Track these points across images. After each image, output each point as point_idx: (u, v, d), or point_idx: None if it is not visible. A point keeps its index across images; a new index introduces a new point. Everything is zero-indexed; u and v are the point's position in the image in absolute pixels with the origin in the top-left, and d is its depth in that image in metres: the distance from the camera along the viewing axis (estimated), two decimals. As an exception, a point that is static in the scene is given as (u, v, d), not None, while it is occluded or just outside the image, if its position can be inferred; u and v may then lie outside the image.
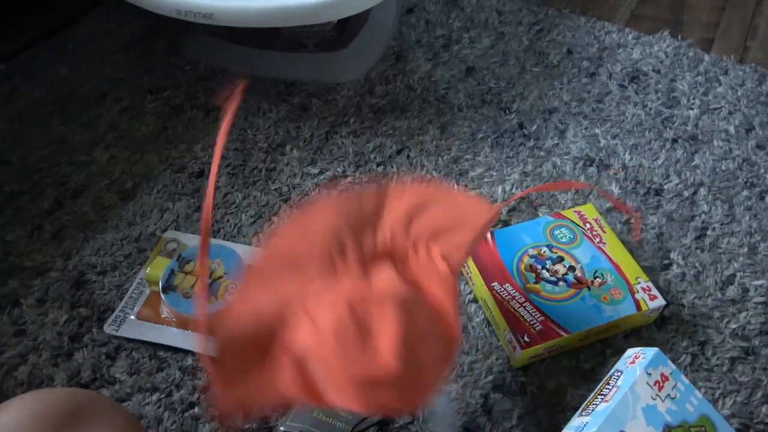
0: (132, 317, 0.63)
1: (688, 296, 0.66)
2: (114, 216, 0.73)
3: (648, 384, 0.52)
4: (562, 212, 0.70)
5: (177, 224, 0.72)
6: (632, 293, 0.62)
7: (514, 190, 0.76)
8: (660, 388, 0.52)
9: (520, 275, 0.64)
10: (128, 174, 0.78)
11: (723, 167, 0.80)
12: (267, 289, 0.47)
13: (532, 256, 0.66)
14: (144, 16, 1.01)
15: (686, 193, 0.77)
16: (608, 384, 0.54)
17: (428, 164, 0.80)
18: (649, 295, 0.62)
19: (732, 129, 0.85)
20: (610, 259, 0.65)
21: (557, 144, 0.83)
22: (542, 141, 0.83)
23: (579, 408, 0.57)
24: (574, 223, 0.69)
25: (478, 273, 0.64)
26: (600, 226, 0.69)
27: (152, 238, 0.71)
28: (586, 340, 0.62)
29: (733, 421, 0.57)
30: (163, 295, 0.61)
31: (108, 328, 0.62)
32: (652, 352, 0.54)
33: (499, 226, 0.72)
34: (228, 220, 0.73)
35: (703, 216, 0.74)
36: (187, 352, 0.61)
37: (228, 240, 0.71)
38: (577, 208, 0.71)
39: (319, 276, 0.47)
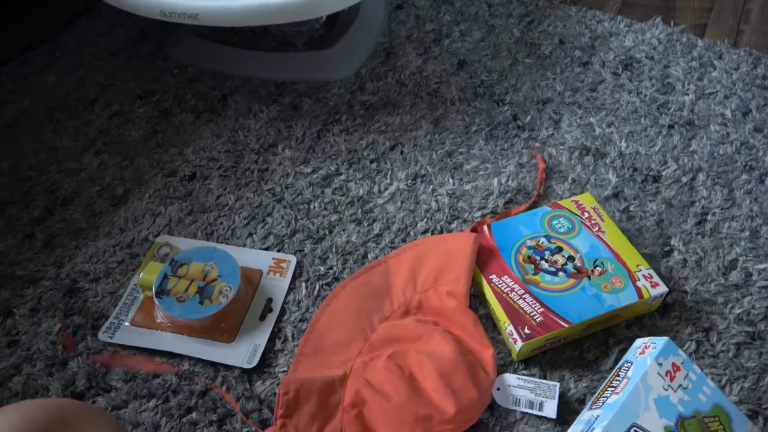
0: (126, 324, 0.62)
1: (690, 282, 0.65)
2: (106, 222, 0.72)
3: (659, 374, 0.51)
4: (560, 202, 0.69)
5: (169, 228, 0.71)
6: (633, 281, 0.61)
7: (509, 182, 0.75)
8: (672, 378, 0.51)
9: (518, 267, 0.63)
10: (119, 180, 0.77)
11: (721, 151, 0.79)
12: (323, 366, 0.57)
13: (530, 248, 0.65)
14: (131, 22, 1.00)
15: (685, 179, 0.76)
16: (618, 376, 0.53)
17: (422, 159, 0.79)
18: (650, 282, 0.61)
19: (728, 113, 0.84)
20: (609, 248, 0.64)
21: (552, 134, 0.82)
22: (537, 132, 0.82)
23: (584, 399, 0.56)
24: (572, 212, 0.68)
25: (476, 267, 0.63)
26: (598, 215, 0.68)
27: (145, 243, 0.70)
28: (588, 331, 0.60)
29: (741, 408, 0.56)
30: (156, 300, 0.60)
31: (102, 336, 0.61)
32: (662, 341, 0.53)
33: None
34: (221, 223, 0.72)
35: (702, 201, 0.73)
36: (182, 357, 0.60)
37: (221, 242, 0.70)
38: (575, 198, 0.70)
39: (360, 353, 0.58)
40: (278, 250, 0.69)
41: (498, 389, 0.56)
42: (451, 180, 0.76)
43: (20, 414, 0.38)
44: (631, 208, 0.73)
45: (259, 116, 0.84)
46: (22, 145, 0.81)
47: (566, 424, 0.55)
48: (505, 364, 0.59)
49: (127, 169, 0.78)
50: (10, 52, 0.94)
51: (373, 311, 0.61)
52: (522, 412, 0.55)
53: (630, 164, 0.78)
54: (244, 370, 0.59)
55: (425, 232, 0.70)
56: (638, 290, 0.61)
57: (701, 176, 0.76)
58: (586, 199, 0.70)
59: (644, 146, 0.80)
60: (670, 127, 0.82)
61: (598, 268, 0.63)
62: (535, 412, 0.55)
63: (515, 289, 0.61)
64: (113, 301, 0.64)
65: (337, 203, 0.74)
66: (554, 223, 0.67)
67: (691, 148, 0.80)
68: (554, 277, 0.62)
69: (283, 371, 0.59)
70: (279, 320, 0.63)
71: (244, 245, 0.69)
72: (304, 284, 0.65)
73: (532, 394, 0.56)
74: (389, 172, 0.77)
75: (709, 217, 0.72)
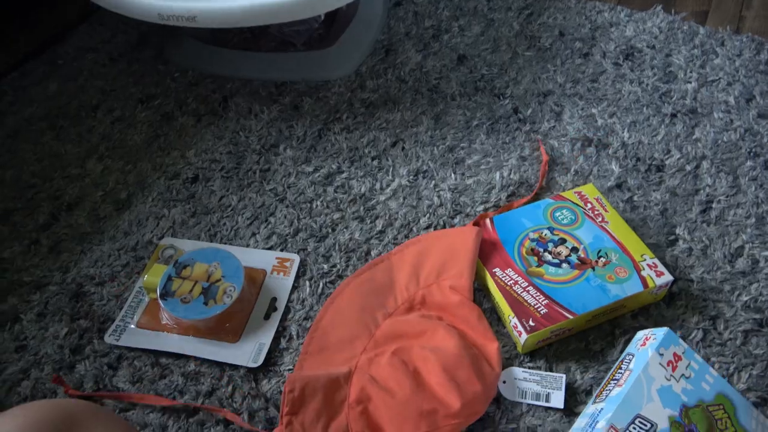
0: (132, 326, 0.62)
1: (696, 271, 0.65)
2: (110, 226, 0.72)
3: (661, 365, 0.50)
4: (562, 194, 0.69)
5: (173, 231, 0.71)
6: (638, 271, 0.61)
7: (512, 176, 0.75)
8: (674, 369, 0.51)
9: (521, 260, 0.63)
10: (122, 184, 0.77)
11: (725, 139, 0.78)
12: (328, 364, 0.57)
13: (533, 240, 0.64)
14: (131, 28, 1.01)
15: (688, 167, 0.75)
16: (620, 368, 0.53)
17: (423, 155, 0.78)
18: (655, 271, 0.61)
19: (732, 100, 0.83)
20: (613, 238, 0.64)
21: (554, 126, 0.81)
22: (538, 124, 0.82)
23: (590, 390, 0.56)
24: (575, 203, 0.68)
25: (479, 261, 0.63)
26: (602, 205, 0.67)
27: (149, 246, 0.70)
28: (593, 322, 0.60)
29: (749, 395, 0.55)
30: (161, 302, 0.60)
31: (109, 339, 0.61)
32: (662, 332, 0.53)
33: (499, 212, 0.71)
34: (224, 224, 0.72)
35: (707, 189, 0.73)
36: (188, 358, 0.60)
37: (225, 243, 0.70)
38: (578, 189, 0.69)
39: (365, 350, 0.58)
40: (281, 250, 0.69)
41: (504, 382, 0.56)
42: (453, 175, 0.76)
43: (28, 415, 0.38)
44: (635, 198, 0.72)
45: (260, 117, 0.85)
46: (25, 153, 0.81)
47: (573, 415, 0.54)
48: (510, 357, 0.59)
49: (130, 174, 0.78)
50: (11, 63, 0.95)
51: (376, 308, 0.61)
52: (528, 405, 0.55)
53: (633, 154, 0.77)
54: (249, 370, 0.59)
55: (428, 227, 0.70)
56: (643, 280, 0.60)
57: (705, 164, 0.76)
58: (589, 190, 0.69)
59: (647, 136, 0.79)
60: (673, 115, 0.82)
61: (602, 258, 0.62)
62: (541, 403, 0.55)
63: (519, 282, 0.60)
64: (119, 304, 0.65)
65: (339, 201, 0.74)
66: (557, 214, 0.67)
67: (694, 137, 0.79)
68: (558, 268, 0.62)
69: (289, 369, 0.59)
70: (283, 319, 0.63)
71: (248, 245, 0.69)
72: (307, 283, 0.66)
73: (539, 386, 0.56)
74: (391, 169, 0.77)
75: (714, 205, 0.71)
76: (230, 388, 0.58)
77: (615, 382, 0.52)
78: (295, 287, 0.65)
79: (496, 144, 0.80)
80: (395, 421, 0.51)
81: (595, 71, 0.89)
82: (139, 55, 0.96)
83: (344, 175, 0.77)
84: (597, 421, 0.49)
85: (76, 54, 0.97)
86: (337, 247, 0.69)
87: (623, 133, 0.80)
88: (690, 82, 0.86)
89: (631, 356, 0.53)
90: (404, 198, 0.74)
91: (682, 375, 0.51)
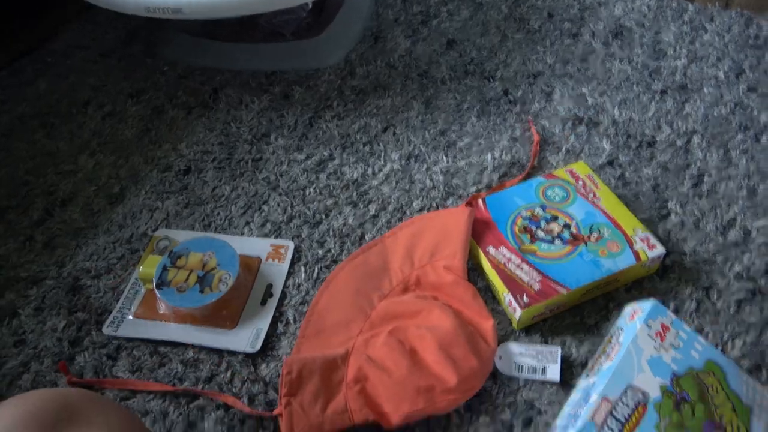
0: (130, 317, 0.62)
1: (689, 244, 0.65)
2: (104, 220, 0.73)
3: (649, 336, 0.51)
4: (554, 172, 0.69)
5: (167, 222, 0.72)
6: (630, 245, 0.61)
7: (503, 157, 0.75)
8: (662, 339, 0.51)
9: (514, 237, 0.63)
10: (115, 178, 0.77)
11: (715, 113, 0.79)
12: (324, 346, 0.58)
13: (525, 218, 0.65)
14: (120, 24, 1.01)
15: (679, 143, 0.75)
16: (611, 343, 0.54)
17: (415, 139, 0.79)
18: (648, 245, 0.61)
19: (722, 75, 0.83)
20: (605, 214, 0.64)
21: (544, 107, 0.82)
22: (529, 105, 0.82)
23: (586, 363, 0.57)
24: (567, 181, 0.68)
25: (473, 240, 0.63)
26: (593, 182, 0.68)
27: (144, 238, 0.70)
28: (587, 296, 0.60)
29: (744, 362, 0.56)
30: (157, 291, 0.60)
31: (107, 330, 0.61)
32: (649, 304, 0.53)
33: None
34: (218, 214, 0.72)
35: (698, 163, 0.73)
36: (187, 346, 0.60)
37: (219, 233, 0.70)
38: (569, 167, 0.70)
39: (361, 331, 0.58)
40: (276, 237, 0.69)
41: (500, 358, 0.56)
42: (444, 158, 0.76)
43: (27, 404, 0.38)
44: (627, 174, 0.72)
45: (251, 107, 0.85)
46: (18, 151, 0.82)
47: (570, 388, 0.55)
48: (506, 334, 0.59)
49: (123, 168, 0.78)
50: (1, 62, 0.95)
51: (371, 290, 0.61)
52: (525, 379, 0.56)
53: (624, 131, 0.77)
54: (248, 355, 0.59)
55: (421, 210, 0.71)
56: (636, 253, 0.60)
57: (696, 139, 0.76)
58: (580, 168, 0.69)
59: (638, 113, 0.80)
60: (663, 92, 0.82)
61: (594, 234, 0.63)
62: (538, 377, 0.55)
63: (512, 260, 0.61)
64: (115, 296, 0.65)
65: (332, 187, 0.74)
66: (549, 192, 0.67)
67: (684, 112, 0.79)
68: (551, 245, 0.62)
69: (286, 353, 0.59)
70: (280, 304, 0.63)
71: (242, 234, 0.70)
72: (303, 268, 0.66)
73: (534, 360, 0.56)
74: (383, 154, 0.77)
75: (705, 179, 0.71)
76: (229, 373, 0.58)
77: (606, 356, 0.53)
78: (290, 273, 0.66)
79: (487, 126, 0.80)
80: (393, 398, 0.52)
81: (584, 51, 0.89)
82: (128, 50, 0.96)
83: (336, 162, 0.77)
84: (590, 395, 0.49)
85: (66, 51, 0.97)
86: (331, 233, 0.69)
87: (614, 111, 0.80)
88: (680, 59, 0.86)
89: (620, 330, 0.54)
90: (397, 182, 0.74)
91: (671, 345, 0.51)
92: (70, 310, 0.64)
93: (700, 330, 0.59)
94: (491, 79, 0.86)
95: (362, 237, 0.68)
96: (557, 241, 0.62)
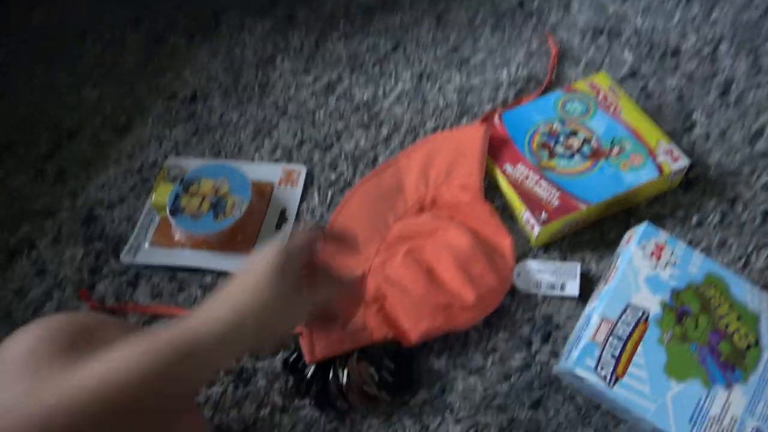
0: (146, 245, 0.62)
1: (714, 155, 0.63)
2: (113, 151, 0.71)
3: (644, 257, 0.51)
4: (573, 85, 0.66)
5: (177, 150, 0.70)
6: (653, 157, 0.59)
7: (519, 72, 0.72)
8: (658, 258, 0.51)
9: (532, 154, 0.61)
10: (120, 109, 0.75)
11: (744, 18, 0.74)
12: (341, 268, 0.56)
13: (543, 134, 0.62)
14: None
15: (706, 50, 0.72)
16: (610, 269, 0.53)
17: (426, 57, 0.75)
18: (671, 157, 0.59)
19: (753, -24, 0.78)
20: (627, 127, 0.62)
21: (562, 18, 0.77)
22: (545, 17, 0.78)
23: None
24: (587, 94, 0.65)
25: (489, 158, 0.61)
26: (615, 94, 0.65)
27: (154, 167, 0.69)
28: (607, 211, 0.59)
29: (768, 272, 0.55)
30: (171, 218, 0.60)
31: (125, 258, 0.62)
32: (642, 227, 0.53)
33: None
34: (227, 140, 0.70)
35: (726, 71, 0.69)
36: (204, 271, 0.60)
37: (230, 160, 0.69)
38: (589, 79, 0.66)
39: (378, 252, 0.58)
40: (287, 162, 0.68)
41: (518, 275, 0.56)
42: (458, 75, 0.73)
43: (45, 327, 0.38)
44: (650, 85, 0.69)
45: (254, 31, 0.81)
46: (18, 86, 0.79)
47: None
48: (524, 252, 0.59)
49: (127, 98, 0.76)
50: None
51: (386, 211, 0.61)
52: (543, 295, 0.55)
53: (647, 41, 0.73)
54: (265, 279, 0.59)
55: (434, 130, 0.68)
56: (658, 166, 0.58)
57: (724, 46, 0.72)
58: (601, 80, 0.66)
59: (662, 20, 0.75)
60: (689, -3, 0.77)
61: (615, 147, 0.60)
62: (557, 293, 0.55)
63: (530, 176, 0.59)
64: (131, 225, 0.65)
65: (342, 110, 0.72)
66: (568, 106, 0.64)
67: (712, 18, 0.75)
68: (570, 160, 0.60)
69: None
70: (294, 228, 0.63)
71: (253, 160, 0.68)
72: (316, 192, 0.65)
73: (553, 276, 0.55)
74: (393, 74, 0.74)
75: (733, 87, 0.68)
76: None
77: (605, 281, 0.53)
78: (303, 197, 0.65)
79: (501, 40, 0.76)
80: (411, 316, 0.52)
81: (605, -44, 0.83)
82: (123, -25, 0.91)
83: (345, 84, 0.74)
84: (591, 318, 0.49)
85: (58, -21, 0.92)
86: (343, 156, 0.67)
87: (636, 19, 0.75)
88: (708, -40, 0.80)
89: (618, 256, 0.54)
90: (409, 102, 0.71)
91: (667, 262, 0.51)
92: (87, 240, 0.64)
93: (723, 243, 0.58)
94: (506, -9, 0.81)
95: (375, 159, 0.67)
96: (577, 157, 0.60)
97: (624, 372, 0.46)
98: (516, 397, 0.50)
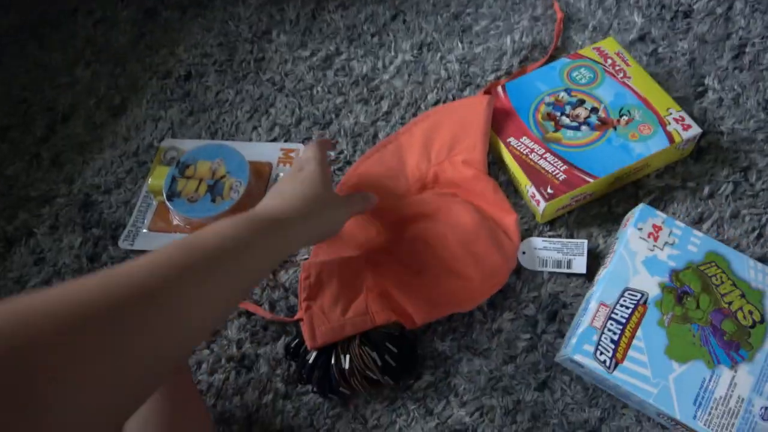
0: (144, 230, 0.62)
1: (727, 122, 0.60)
2: (108, 133, 0.70)
3: (641, 238, 0.50)
4: (580, 51, 0.63)
5: (172, 131, 0.69)
6: (663, 126, 0.57)
7: (524, 39, 0.69)
8: (655, 239, 0.50)
9: (537, 126, 0.59)
10: (114, 89, 0.74)
11: (762, -26, 0.70)
12: (342, 251, 0.56)
13: (549, 104, 0.60)
14: None
15: (719, 10, 0.68)
16: (609, 254, 0.52)
17: (427, 26, 0.72)
18: (682, 125, 0.56)
19: (771, -72, 0.73)
20: (636, 94, 0.59)
21: (568, -21, 0.73)
22: (551, -21, 0.74)
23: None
24: (594, 60, 0.62)
25: (492, 131, 0.59)
26: (623, 60, 0.62)
27: (150, 149, 0.68)
28: (616, 185, 0.57)
29: (782, 244, 0.53)
30: (168, 203, 0.59)
31: (123, 244, 0.61)
32: (638, 209, 0.52)
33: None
34: (224, 120, 0.69)
35: (740, 32, 0.66)
36: (204, 256, 0.59)
37: (227, 140, 0.67)
38: (596, 45, 0.64)
39: (379, 233, 0.57)
40: (285, 141, 0.66)
41: (524, 253, 0.55)
42: (459, 44, 0.70)
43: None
44: (660, 49, 0.66)
45: (248, 2, 0.78)
46: (10, 66, 0.78)
47: (596, 280, 0.53)
48: (529, 228, 0.57)
49: (121, 77, 0.74)
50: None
51: (388, 191, 0.59)
52: (550, 273, 0.54)
53: (657, 2, 0.70)
54: (266, 262, 0.59)
55: (436, 103, 0.66)
56: (669, 135, 0.56)
57: (738, 5, 0.68)
58: (609, 45, 0.63)
59: (673, -21, 0.71)
60: (703, -47, 0.73)
61: (624, 117, 0.58)
62: (563, 270, 0.54)
63: (535, 150, 0.57)
64: (128, 210, 0.64)
65: (340, 85, 0.69)
66: (574, 74, 0.62)
67: (727, -25, 0.71)
68: (577, 132, 0.58)
69: (304, 258, 0.58)
70: (295, 210, 0.61)
71: (250, 139, 0.67)
72: (315, 171, 0.63)
73: (560, 253, 0.54)
74: (393, 45, 0.72)
75: (747, 49, 0.65)
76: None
77: (604, 266, 0.51)
78: (302, 177, 0.63)
79: (505, 6, 0.73)
80: (414, 298, 0.51)
81: None
82: (110, -53, 0.88)
83: (343, 57, 0.72)
84: (589, 303, 0.48)
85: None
86: (342, 133, 0.66)
87: (646, -22, 0.72)
88: None
89: (617, 240, 0.52)
90: (409, 74, 0.69)
91: (666, 243, 0.49)
92: (85, 226, 0.63)
93: (735, 214, 0.56)
94: (509, -48, 0.77)
95: (375, 135, 0.65)
96: (584, 127, 0.58)
97: (624, 356, 0.45)
98: (522, 379, 0.50)
